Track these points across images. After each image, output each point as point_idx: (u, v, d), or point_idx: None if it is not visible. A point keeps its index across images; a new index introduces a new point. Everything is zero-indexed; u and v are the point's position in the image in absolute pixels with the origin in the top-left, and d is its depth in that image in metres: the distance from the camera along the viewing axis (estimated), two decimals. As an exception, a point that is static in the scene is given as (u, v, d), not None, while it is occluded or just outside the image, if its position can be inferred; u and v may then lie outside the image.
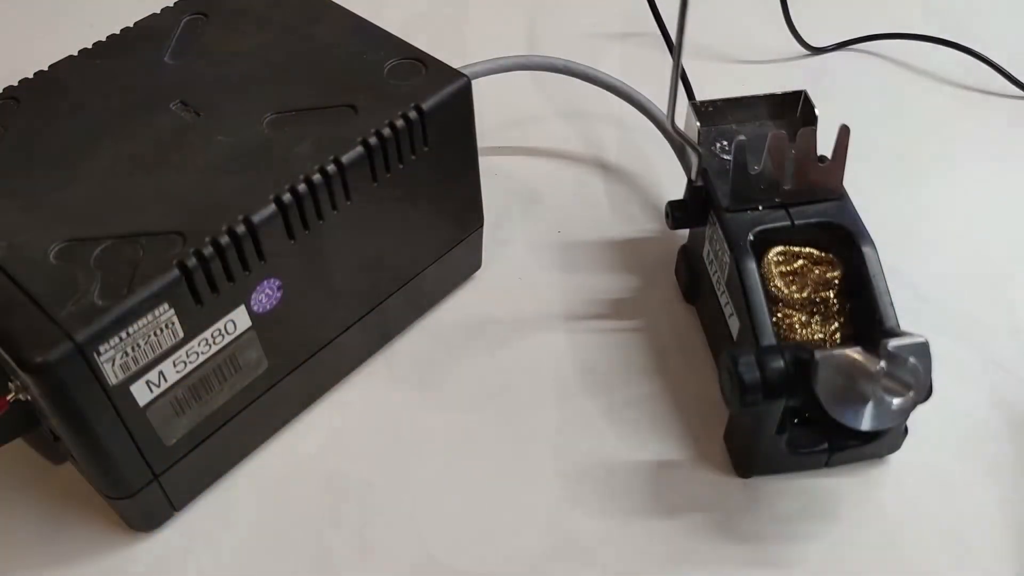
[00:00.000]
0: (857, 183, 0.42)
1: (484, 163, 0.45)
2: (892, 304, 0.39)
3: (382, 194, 0.40)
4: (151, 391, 0.36)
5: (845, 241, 0.40)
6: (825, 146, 0.40)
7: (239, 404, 0.40)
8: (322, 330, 0.42)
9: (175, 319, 0.35)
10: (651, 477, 0.42)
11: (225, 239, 0.35)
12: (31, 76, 0.41)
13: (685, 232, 0.47)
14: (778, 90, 0.44)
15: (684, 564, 0.39)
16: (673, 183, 0.51)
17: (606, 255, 0.50)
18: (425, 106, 0.39)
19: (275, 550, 0.40)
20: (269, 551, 0.40)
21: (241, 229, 0.35)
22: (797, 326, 0.40)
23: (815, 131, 0.40)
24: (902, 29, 0.60)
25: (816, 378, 0.35)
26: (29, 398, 0.35)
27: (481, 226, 0.47)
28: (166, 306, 0.34)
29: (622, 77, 0.51)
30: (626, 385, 0.45)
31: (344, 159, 0.38)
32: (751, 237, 0.40)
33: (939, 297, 0.47)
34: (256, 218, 0.36)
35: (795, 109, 0.44)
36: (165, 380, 0.36)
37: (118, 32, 0.43)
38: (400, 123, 0.39)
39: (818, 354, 0.35)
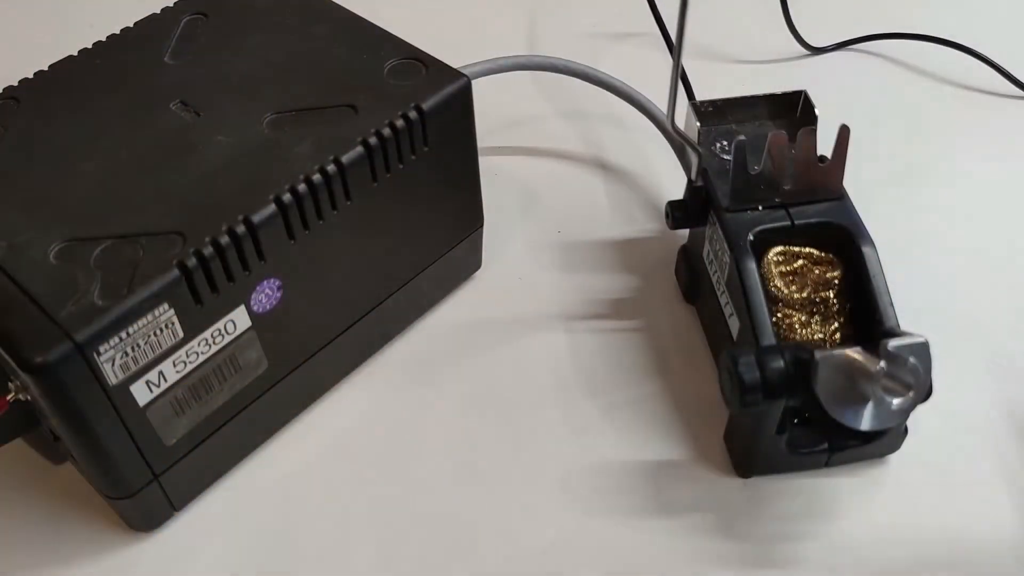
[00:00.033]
0: (857, 183, 0.42)
1: (484, 163, 0.45)
2: (892, 304, 0.39)
3: (382, 194, 0.40)
4: (151, 391, 0.36)
5: (845, 241, 0.40)
6: (825, 146, 0.40)
7: (239, 404, 0.40)
8: (322, 330, 0.42)
9: (175, 319, 0.35)
10: (651, 477, 0.42)
11: (225, 239, 0.35)
12: (31, 76, 0.41)
13: (685, 232, 0.47)
14: (778, 90, 0.44)
15: (684, 564, 0.39)
16: (673, 183, 0.51)
17: (606, 255, 0.50)
18: (425, 106, 0.39)
19: (275, 550, 0.40)
20: (269, 551, 0.40)
21: (241, 229, 0.35)
22: (797, 326, 0.40)
23: (815, 131, 0.40)
24: (902, 29, 0.60)
25: (816, 378, 0.35)
26: (29, 398, 0.35)
27: (481, 226, 0.47)
28: (166, 306, 0.34)
29: (622, 77, 0.52)
30: (626, 385, 0.45)
31: (344, 159, 0.38)
32: (751, 237, 0.40)
33: (939, 297, 0.47)
34: (256, 218, 0.36)
35: (795, 109, 0.44)
36: (165, 380, 0.36)
37: (118, 32, 0.43)
38: (400, 123, 0.39)
39: (818, 354, 0.35)
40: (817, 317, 0.40)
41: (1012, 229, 0.51)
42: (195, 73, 0.41)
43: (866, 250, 0.39)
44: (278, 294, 0.38)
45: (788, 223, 0.41)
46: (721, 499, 0.41)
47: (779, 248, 0.41)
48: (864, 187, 0.43)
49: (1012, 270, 0.49)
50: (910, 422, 0.40)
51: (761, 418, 0.38)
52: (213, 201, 0.36)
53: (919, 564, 0.39)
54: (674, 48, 0.39)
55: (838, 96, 0.49)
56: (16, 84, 0.41)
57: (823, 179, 0.41)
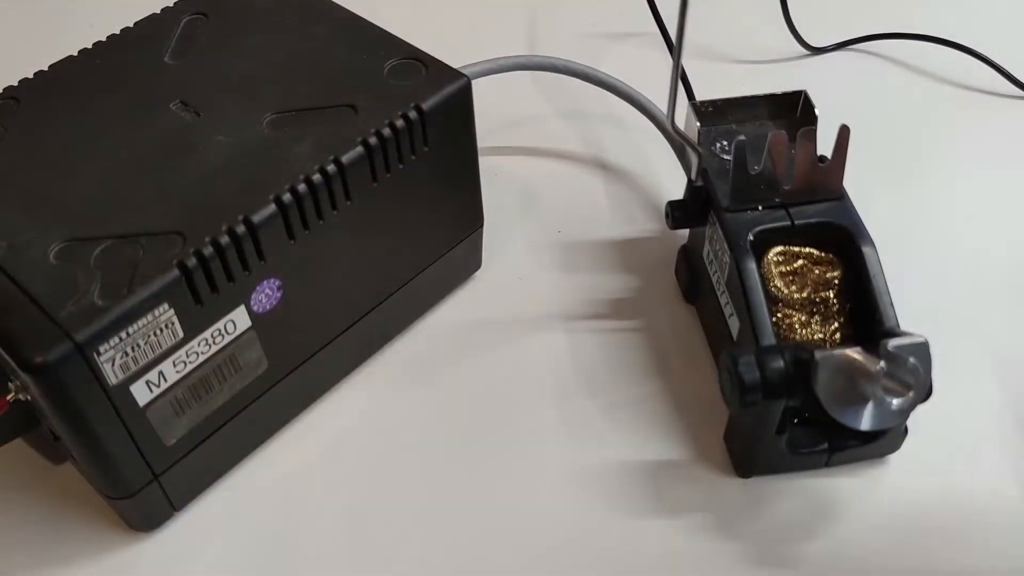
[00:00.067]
0: (857, 183, 0.42)
1: (484, 163, 0.45)
2: (892, 304, 0.39)
3: (382, 194, 0.40)
4: (151, 391, 0.36)
5: (845, 241, 0.40)
6: (825, 146, 0.40)
7: (239, 404, 0.40)
8: (322, 330, 0.42)
9: (175, 319, 0.35)
10: (651, 477, 0.42)
11: (225, 239, 0.35)
12: (31, 76, 0.41)
13: (685, 232, 0.47)
14: (778, 90, 0.44)
15: (683, 564, 0.39)
16: (673, 183, 0.51)
17: (606, 255, 0.50)
18: (425, 106, 0.39)
19: (275, 550, 0.40)
20: (269, 551, 0.40)
21: (241, 229, 0.35)
22: (797, 326, 0.40)
23: (815, 131, 0.40)
24: (902, 29, 0.60)
25: (816, 378, 0.35)
26: (29, 398, 0.35)
27: (481, 226, 0.47)
28: (166, 306, 0.34)
29: (622, 77, 0.51)
30: (626, 385, 0.45)
31: (344, 159, 0.38)
32: (751, 237, 0.40)
33: (939, 297, 0.47)
34: (256, 218, 0.36)
35: (795, 109, 0.44)
36: (165, 380, 0.36)
37: (118, 32, 0.43)
38: (400, 123, 0.39)
39: (818, 354, 0.35)
40: (817, 317, 0.40)
41: (1012, 229, 0.51)
42: (195, 73, 0.41)
43: (866, 250, 0.39)
44: (278, 294, 0.38)
45: (788, 223, 0.41)
46: (721, 499, 0.41)
47: (779, 248, 0.41)
48: (864, 187, 0.43)
49: (1012, 270, 0.49)
50: (910, 422, 0.40)
51: (761, 418, 0.38)
52: (213, 201, 0.36)
53: (919, 564, 0.39)
54: (674, 48, 0.39)
55: (838, 96, 0.48)
56: (16, 84, 0.41)
57: (823, 179, 0.41)
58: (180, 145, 0.38)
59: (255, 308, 0.37)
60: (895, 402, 0.34)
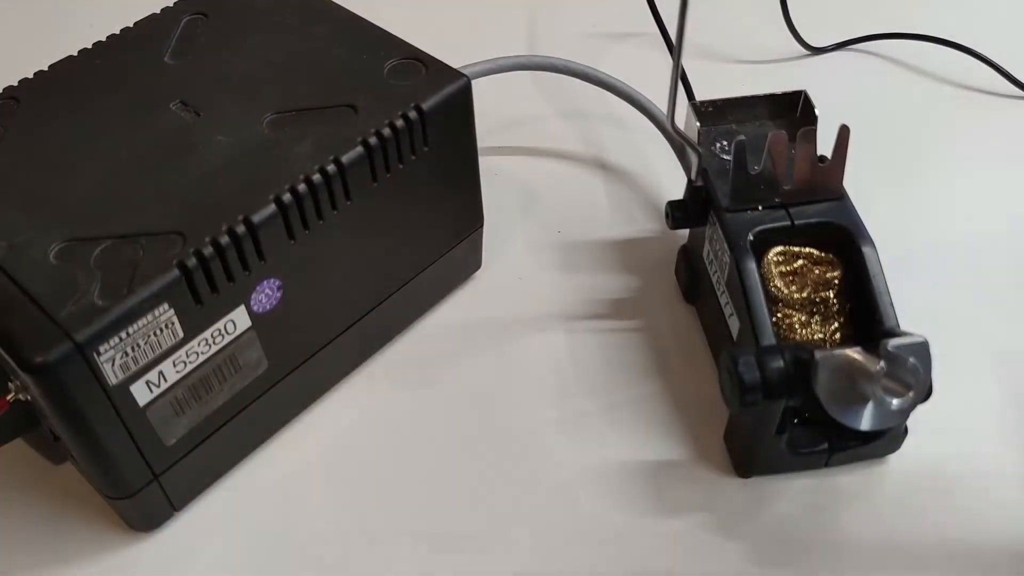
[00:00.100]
0: (857, 183, 0.42)
1: (484, 163, 0.45)
2: (892, 304, 0.39)
3: (382, 194, 0.40)
4: (151, 391, 0.36)
5: (845, 241, 0.40)
6: (825, 146, 0.40)
7: (239, 404, 0.40)
8: (322, 330, 0.42)
9: (175, 319, 0.35)
10: (651, 477, 0.42)
11: (225, 239, 0.35)
12: (31, 76, 0.41)
13: (685, 232, 0.47)
14: (778, 90, 0.44)
15: (684, 564, 0.39)
16: (673, 183, 0.51)
17: (606, 255, 0.50)
18: (425, 106, 0.39)
19: (275, 550, 0.40)
20: (269, 551, 0.40)
21: (241, 229, 0.35)
22: (797, 326, 0.40)
23: (815, 131, 0.40)
24: (902, 29, 0.60)
25: (816, 378, 0.35)
26: (29, 398, 0.35)
27: (481, 226, 0.47)
28: (166, 306, 0.34)
29: (622, 77, 0.52)
30: (626, 385, 0.45)
31: (344, 159, 0.38)
32: (751, 237, 0.40)
33: (939, 297, 0.47)
34: (256, 218, 0.36)
35: (795, 109, 0.44)
36: (165, 380, 0.36)
37: (118, 32, 0.43)
38: (400, 123, 0.39)
39: (818, 354, 0.35)
40: (817, 317, 0.40)
41: (1012, 229, 0.51)
42: (195, 73, 0.41)
43: (866, 250, 0.39)
44: (278, 294, 0.38)
45: (788, 223, 0.41)
46: (721, 499, 0.41)
47: (779, 248, 0.41)
48: (864, 187, 0.43)
49: (1012, 270, 0.49)
50: (910, 422, 0.40)
51: (761, 418, 0.38)
52: (213, 201, 0.36)
53: (919, 564, 0.39)
54: (674, 48, 0.39)
55: (838, 96, 0.49)
56: (16, 84, 0.41)
57: (823, 179, 0.41)
58: (180, 145, 0.38)
59: (255, 308, 0.37)
60: (895, 402, 0.34)
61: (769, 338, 0.38)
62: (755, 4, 0.63)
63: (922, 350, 0.35)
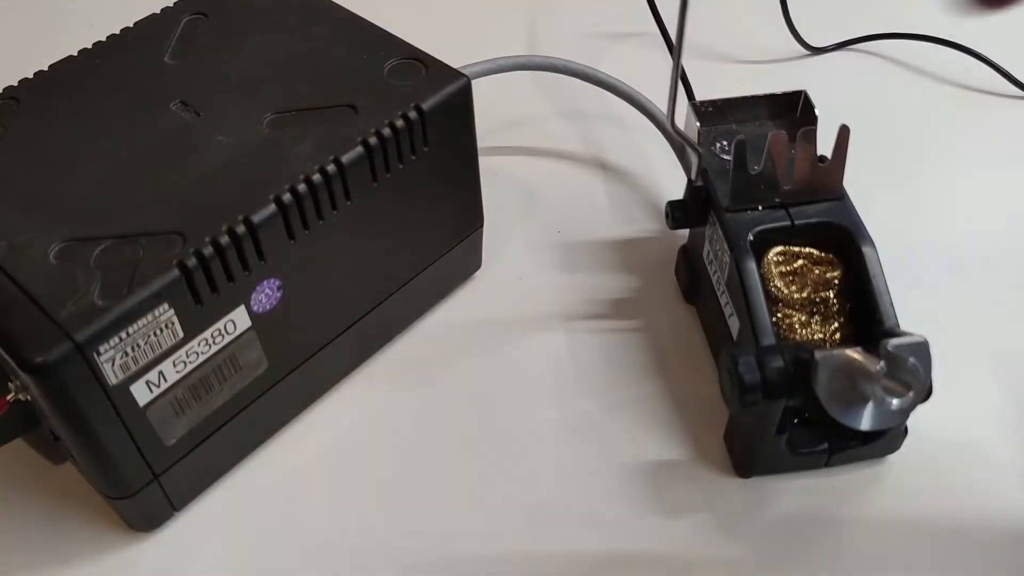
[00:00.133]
0: (857, 183, 0.42)
1: (484, 163, 0.45)
2: (892, 304, 0.39)
3: (382, 194, 0.40)
4: (151, 391, 0.36)
5: (845, 241, 0.40)
6: (825, 146, 0.40)
7: (239, 404, 0.40)
8: (322, 330, 0.42)
9: (175, 319, 0.35)
10: (651, 477, 0.42)
11: (225, 239, 0.35)
12: (31, 76, 0.41)
13: (685, 232, 0.47)
14: (778, 90, 0.44)
15: (684, 564, 0.39)
16: (673, 183, 0.51)
17: (606, 255, 0.50)
18: (425, 106, 0.39)
19: (275, 550, 0.40)
20: (269, 551, 0.40)
21: (241, 229, 0.35)
22: (797, 326, 0.40)
23: (815, 131, 0.40)
24: (902, 29, 0.60)
25: (816, 378, 0.35)
26: (29, 398, 0.35)
27: (481, 226, 0.47)
28: (166, 306, 0.34)
29: (622, 77, 0.51)
30: (626, 385, 0.45)
31: (344, 159, 0.38)
32: (751, 237, 0.40)
33: (939, 297, 0.47)
34: (256, 218, 0.36)
35: (795, 109, 0.44)
36: (165, 380, 0.36)
37: (118, 32, 0.43)
38: (400, 123, 0.39)
39: (818, 354, 0.35)
40: (817, 317, 0.40)
41: (1012, 229, 0.51)
42: (195, 73, 0.41)
43: (866, 250, 0.39)
44: (278, 294, 0.38)
45: (788, 223, 0.41)
46: (721, 499, 0.41)
47: (779, 248, 0.41)
48: (864, 187, 0.43)
49: (1012, 270, 0.49)
50: (910, 422, 0.40)
51: (761, 418, 0.38)
52: (213, 201, 0.36)
53: (919, 564, 0.39)
54: (674, 48, 0.39)
55: (838, 96, 0.49)
56: (16, 84, 0.41)
57: (823, 179, 0.41)
58: (180, 145, 0.38)
59: (255, 308, 0.37)
60: (895, 402, 0.34)
61: (769, 338, 0.38)
62: (755, 4, 0.63)
63: (922, 350, 0.35)
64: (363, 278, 0.42)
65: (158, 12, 0.44)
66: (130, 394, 0.35)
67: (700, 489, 0.41)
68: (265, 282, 0.37)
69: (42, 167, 0.38)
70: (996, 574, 0.39)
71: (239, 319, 0.37)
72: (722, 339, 0.43)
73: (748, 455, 0.41)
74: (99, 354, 0.33)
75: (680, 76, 0.42)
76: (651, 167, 0.54)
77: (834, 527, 0.40)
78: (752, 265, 0.40)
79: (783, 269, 0.40)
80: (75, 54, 0.42)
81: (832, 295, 0.40)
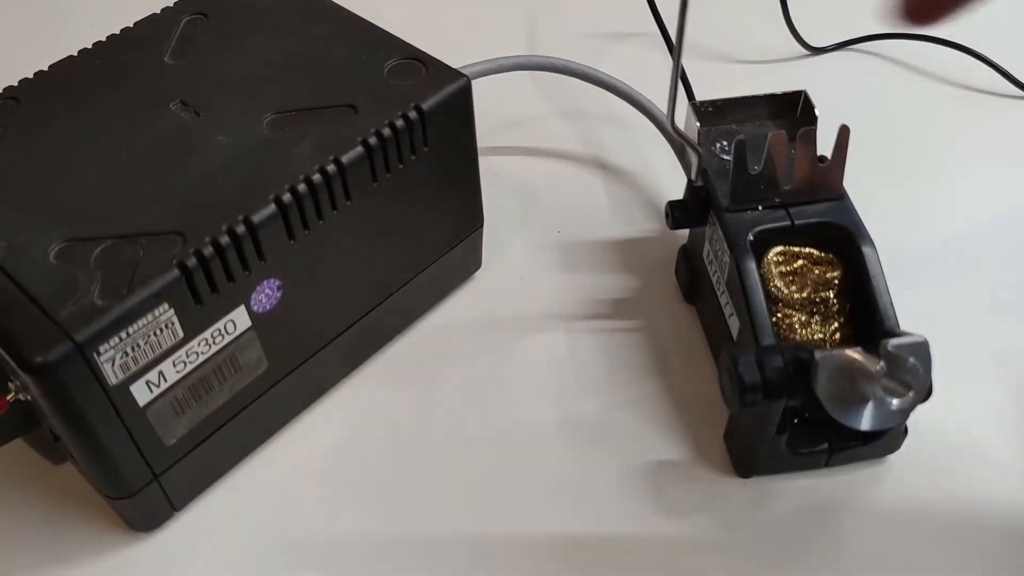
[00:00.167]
0: (857, 183, 0.42)
1: (484, 163, 0.45)
2: (892, 304, 0.39)
3: (382, 194, 0.40)
4: (151, 391, 0.36)
5: (845, 241, 0.40)
6: (825, 146, 0.40)
7: (239, 404, 0.40)
8: (322, 330, 0.42)
9: (175, 319, 0.35)
10: (651, 477, 0.42)
11: (225, 239, 0.35)
12: (31, 76, 0.41)
13: (685, 232, 0.47)
14: (778, 90, 0.44)
15: (684, 564, 0.39)
16: (673, 183, 0.51)
17: (606, 255, 0.50)
18: (425, 106, 0.39)
19: (275, 550, 0.40)
20: (269, 551, 0.40)
21: (241, 229, 0.35)
22: (797, 326, 0.40)
23: (815, 131, 0.40)
24: (902, 29, 0.60)
25: (816, 378, 0.35)
26: (29, 398, 0.35)
27: (481, 226, 0.47)
28: (166, 306, 0.34)
29: (622, 77, 0.52)
30: (626, 385, 0.45)
31: (344, 159, 0.38)
32: (751, 237, 0.40)
33: (939, 297, 0.47)
34: (256, 218, 0.36)
35: (795, 109, 0.44)
36: (165, 380, 0.36)
37: (118, 32, 0.43)
38: (400, 123, 0.39)
39: (818, 354, 0.35)
40: (817, 317, 0.40)
41: (1012, 229, 0.51)
42: (195, 73, 0.41)
43: (866, 250, 0.39)
44: (278, 294, 0.38)
45: (788, 223, 0.41)
46: (721, 499, 0.41)
47: (779, 248, 0.41)
48: (864, 187, 0.43)
49: (1012, 270, 0.49)
50: (910, 422, 0.40)
51: (761, 418, 0.38)
52: (213, 201, 0.36)
53: (919, 564, 0.39)
54: (674, 48, 0.39)
55: (838, 96, 0.48)
56: (16, 84, 0.41)
57: (823, 179, 0.41)
58: (180, 145, 0.38)
59: (255, 308, 0.37)
60: (895, 402, 0.34)
61: (769, 338, 0.38)
62: (755, 4, 0.63)
63: (922, 350, 0.35)
64: (363, 278, 0.42)
65: (158, 12, 0.44)
66: (130, 394, 0.35)
67: (700, 489, 0.41)
68: (265, 282, 0.37)
69: (42, 167, 0.38)
70: (996, 574, 0.39)
71: (239, 319, 0.37)
72: (722, 339, 0.43)
73: (748, 455, 0.41)
74: (99, 354, 0.33)
75: (680, 76, 0.42)
76: (651, 167, 0.54)
77: (834, 527, 0.40)
78: (752, 265, 0.40)
79: (783, 269, 0.40)
80: (75, 54, 0.42)
81: (832, 295, 0.40)
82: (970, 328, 0.46)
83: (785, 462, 0.41)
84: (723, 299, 0.42)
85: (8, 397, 0.35)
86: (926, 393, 0.36)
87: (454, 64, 0.42)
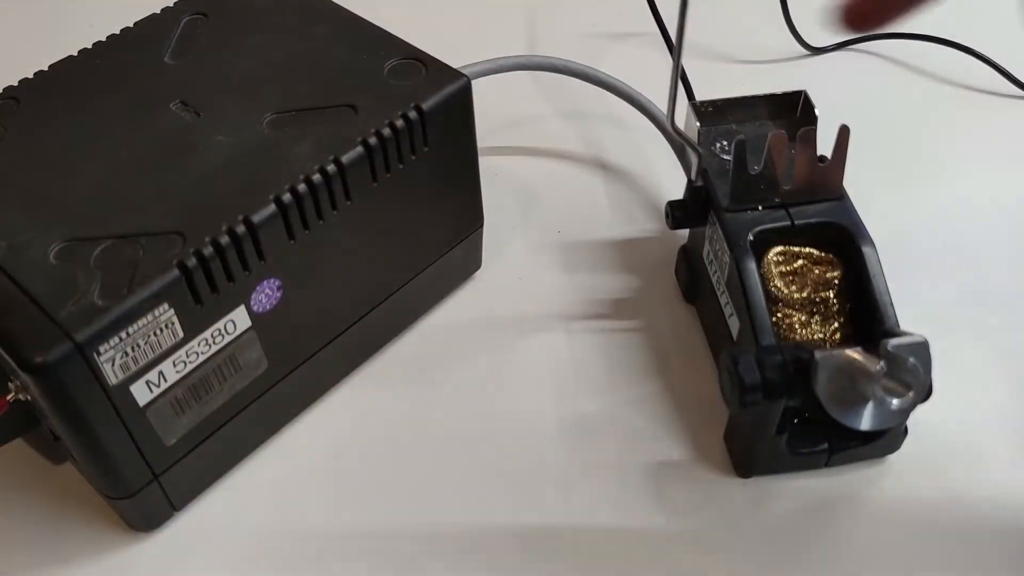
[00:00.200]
0: (857, 183, 0.42)
1: (484, 163, 0.45)
2: (892, 304, 0.39)
3: (382, 194, 0.40)
4: (151, 391, 0.36)
5: (845, 241, 0.40)
6: (825, 146, 0.40)
7: (239, 404, 0.40)
8: (322, 330, 0.42)
9: (175, 319, 0.35)
10: (651, 477, 0.42)
11: (225, 239, 0.35)
12: (31, 76, 0.41)
13: (685, 232, 0.47)
14: (778, 90, 0.44)
15: (684, 564, 0.39)
16: (673, 183, 0.51)
17: (606, 255, 0.50)
18: (425, 106, 0.39)
19: (275, 550, 0.40)
20: (269, 551, 0.40)
21: (241, 229, 0.35)
22: (797, 326, 0.40)
23: (815, 131, 0.40)
24: (902, 29, 0.60)
25: (816, 378, 0.35)
26: (29, 398, 0.35)
27: (481, 226, 0.47)
28: (166, 306, 0.34)
29: (622, 77, 0.52)
30: (626, 385, 0.45)
31: (344, 159, 0.38)
32: (751, 237, 0.40)
33: (939, 297, 0.47)
34: (256, 218, 0.36)
35: (795, 109, 0.44)
36: (165, 380, 0.36)
37: (118, 32, 0.43)
38: (400, 123, 0.39)
39: (818, 354, 0.35)
40: (817, 317, 0.40)
41: (1012, 229, 0.51)
42: (195, 73, 0.41)
43: (866, 250, 0.39)
44: (278, 294, 0.38)
45: (788, 223, 0.41)
46: (721, 499, 0.41)
47: (779, 248, 0.41)
48: (864, 187, 0.43)
49: (1012, 270, 0.49)
50: (910, 422, 0.40)
51: (761, 418, 0.38)
52: (213, 201, 0.36)
53: (919, 564, 0.39)
54: (674, 48, 0.39)
55: (838, 96, 0.48)
56: (16, 84, 0.41)
57: (823, 179, 0.41)
58: (180, 145, 0.38)
59: (255, 308, 0.37)
60: (895, 402, 0.34)
61: (769, 338, 0.38)
62: (755, 4, 0.63)
63: (922, 350, 0.35)
64: (363, 278, 0.42)
65: (158, 12, 0.44)
66: (130, 394, 0.35)
67: (700, 489, 0.41)
68: (265, 282, 0.37)
69: (42, 167, 0.38)
70: (996, 573, 0.39)
71: (239, 319, 0.37)
72: (722, 339, 0.43)
73: (748, 455, 0.41)
74: (99, 354, 0.33)
75: (680, 76, 0.42)
76: (651, 167, 0.54)
77: (834, 527, 0.40)
78: (752, 265, 0.40)
79: (783, 269, 0.40)
80: (75, 54, 0.42)
81: (832, 295, 0.40)
82: (970, 328, 0.46)
83: (785, 462, 0.41)
84: (723, 299, 0.42)
85: (8, 397, 0.35)
86: (926, 393, 0.36)
87: (454, 64, 0.42)
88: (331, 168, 0.37)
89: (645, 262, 0.50)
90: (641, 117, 0.51)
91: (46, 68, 0.42)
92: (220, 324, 0.36)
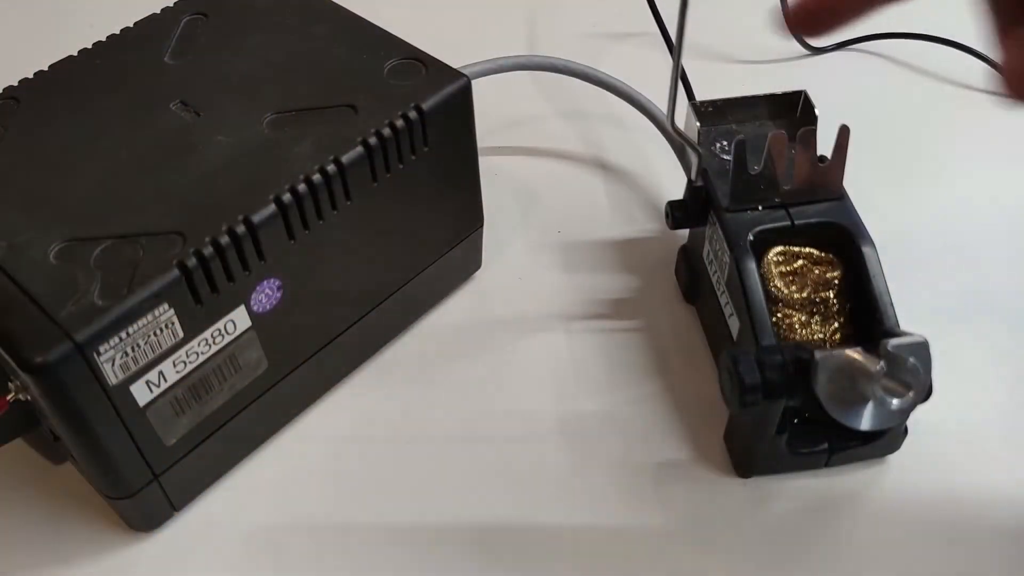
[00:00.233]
0: (857, 183, 0.42)
1: (484, 163, 0.45)
2: (892, 304, 0.39)
3: (382, 194, 0.40)
4: (151, 391, 0.36)
5: (845, 241, 0.40)
6: (825, 146, 0.40)
7: (239, 404, 0.40)
8: (322, 330, 0.42)
9: (175, 319, 0.35)
10: (651, 477, 0.42)
11: (225, 239, 0.35)
12: (31, 76, 0.41)
13: (685, 232, 0.47)
14: (778, 90, 0.44)
15: (684, 564, 0.39)
16: (673, 183, 0.51)
17: (606, 255, 0.50)
18: (425, 106, 0.39)
19: (275, 551, 0.40)
20: (269, 552, 0.40)
21: (241, 229, 0.35)
22: (797, 326, 0.40)
23: (815, 131, 0.40)
24: (902, 29, 0.60)
25: (816, 378, 0.35)
26: (29, 398, 0.35)
27: (481, 226, 0.47)
28: (166, 306, 0.34)
29: (622, 77, 0.52)
30: (626, 385, 0.45)
31: (344, 159, 0.38)
32: (751, 237, 0.40)
33: (939, 297, 0.47)
34: (256, 218, 0.36)
35: (795, 109, 0.44)
36: (165, 380, 0.36)
37: (118, 32, 0.43)
38: (400, 123, 0.39)
39: (818, 354, 0.35)
40: (817, 317, 0.40)
41: (1012, 229, 0.51)
42: (195, 73, 0.41)
43: (866, 250, 0.39)
44: (278, 294, 0.38)
45: (788, 223, 0.41)
46: (721, 499, 0.41)
47: (779, 248, 0.41)
48: (864, 187, 0.43)
49: (1012, 270, 0.49)
50: (910, 422, 0.40)
51: (761, 418, 0.38)
52: (213, 201, 0.36)
53: (919, 564, 0.39)
54: (674, 48, 0.39)
55: (838, 96, 0.48)
56: (16, 84, 0.41)
57: (823, 179, 0.41)
58: (180, 145, 0.38)
59: (255, 308, 0.37)
60: (895, 402, 0.34)
61: (769, 338, 0.38)
62: (755, 4, 0.62)
63: (922, 350, 0.35)
64: (363, 278, 0.42)
65: (158, 12, 0.44)
66: (130, 394, 0.35)
67: (700, 489, 0.41)
68: (265, 282, 0.37)
69: (42, 167, 0.38)
70: (996, 573, 0.39)
71: (239, 319, 0.37)
72: (722, 339, 0.43)
73: (748, 455, 0.41)
74: (99, 354, 0.33)
75: (680, 76, 0.42)
76: (651, 167, 0.54)
77: (834, 527, 0.40)
78: (752, 265, 0.40)
79: (783, 269, 0.40)
80: (75, 54, 0.42)
81: (832, 295, 0.40)
82: (970, 328, 0.46)
83: (785, 462, 0.41)
84: (723, 299, 0.42)
85: (8, 397, 0.35)
86: (926, 393, 0.36)
87: (454, 64, 0.42)
88: (331, 168, 0.37)
89: (645, 262, 0.50)
90: (641, 117, 0.51)
91: (46, 68, 0.42)
92: (220, 324, 0.36)
